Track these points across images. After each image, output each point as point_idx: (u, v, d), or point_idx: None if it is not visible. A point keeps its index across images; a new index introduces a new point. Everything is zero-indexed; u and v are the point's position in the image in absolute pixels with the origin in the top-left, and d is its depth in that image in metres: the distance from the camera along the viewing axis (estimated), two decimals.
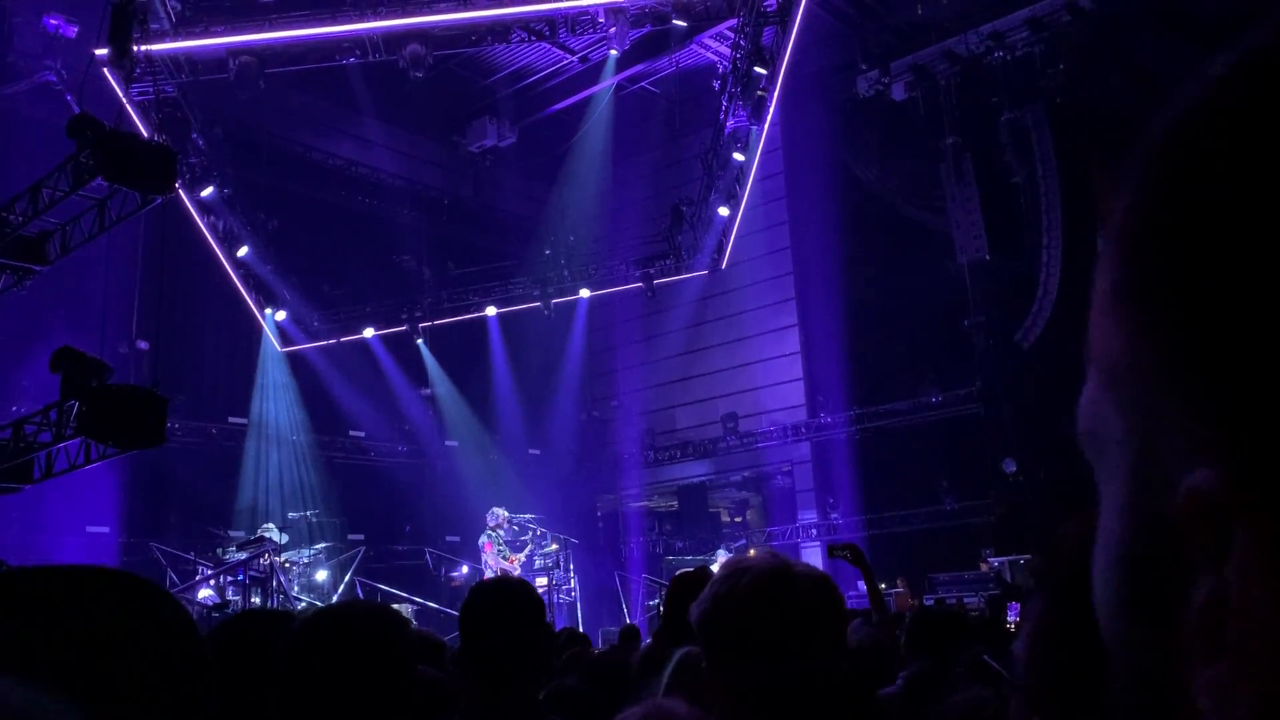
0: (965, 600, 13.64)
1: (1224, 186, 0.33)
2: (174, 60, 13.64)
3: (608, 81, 19.51)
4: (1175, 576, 0.35)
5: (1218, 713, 0.34)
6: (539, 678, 2.52)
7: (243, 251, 16.30)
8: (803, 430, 19.70)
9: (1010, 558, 14.79)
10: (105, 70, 11.92)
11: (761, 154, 17.26)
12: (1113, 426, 0.39)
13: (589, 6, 14.76)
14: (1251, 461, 0.33)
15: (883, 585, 16.27)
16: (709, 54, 19.18)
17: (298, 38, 14.16)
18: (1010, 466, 16.21)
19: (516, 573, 14.51)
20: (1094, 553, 0.40)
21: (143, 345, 15.48)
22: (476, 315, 19.25)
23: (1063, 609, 0.97)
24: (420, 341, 19.04)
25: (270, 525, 14.38)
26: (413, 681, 1.67)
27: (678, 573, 3.56)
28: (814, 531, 19.21)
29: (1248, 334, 0.32)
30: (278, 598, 12.71)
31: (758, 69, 15.32)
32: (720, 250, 18.17)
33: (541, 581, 14.98)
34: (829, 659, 1.51)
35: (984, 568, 15.40)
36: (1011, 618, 13.37)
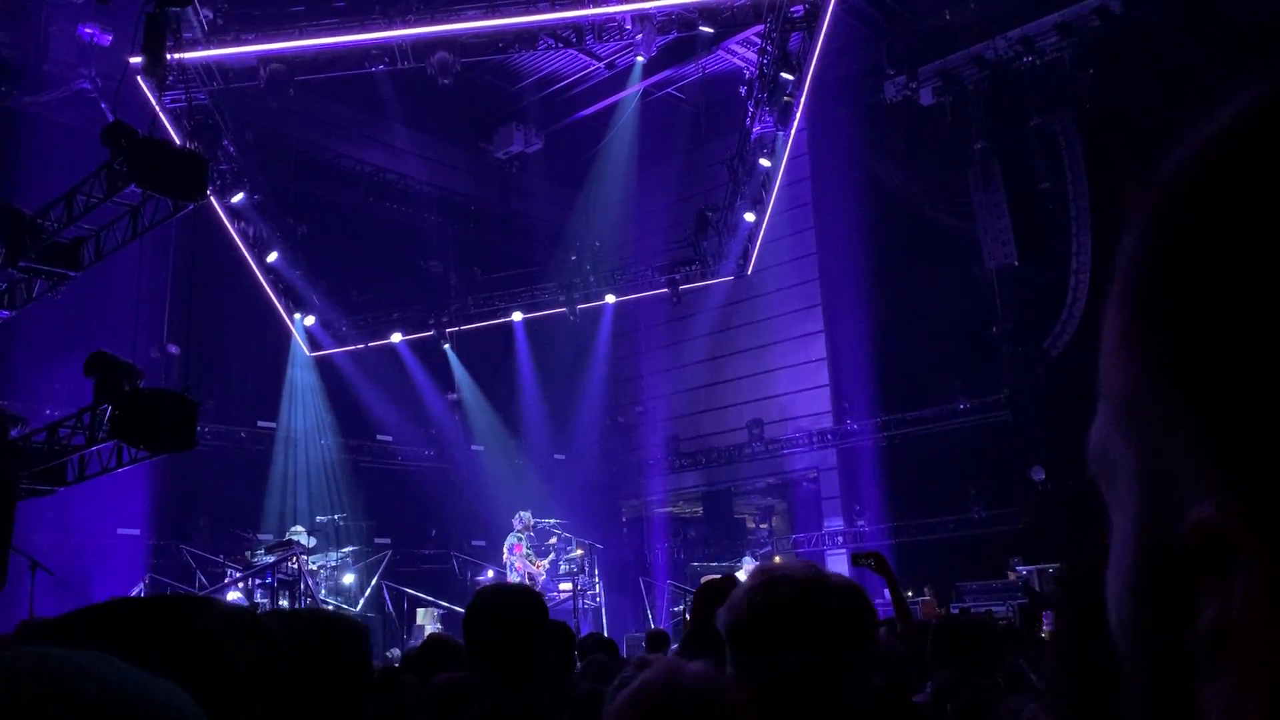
0: (993, 610, 13.53)
1: (1227, 237, 0.35)
2: (206, 68, 13.80)
3: (634, 88, 19.54)
4: (1183, 600, 0.38)
5: None
6: (543, 679, 2.56)
7: (272, 257, 16.45)
8: (828, 437, 19.62)
9: (1038, 566, 14.66)
10: (139, 78, 12.08)
11: (788, 159, 17.22)
12: (1122, 458, 0.41)
13: (616, 13, 14.79)
14: (1253, 497, 0.35)
15: (909, 594, 16.20)
16: (735, 60, 19.17)
17: (327, 46, 14.28)
18: (1039, 474, 16.07)
19: (542, 578, 14.55)
20: (1106, 577, 0.43)
21: (173, 350, 15.65)
22: (503, 320, 19.33)
23: (1080, 631, 0.98)
24: (447, 346, 19.14)
25: (299, 528, 14.49)
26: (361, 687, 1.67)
27: (704, 580, 3.57)
28: (840, 539, 19.12)
29: (1248, 380, 0.35)
30: (305, 600, 12.80)
31: (784, 75, 15.29)
32: (746, 256, 18.14)
33: (566, 587, 15.00)
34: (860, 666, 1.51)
35: (1012, 576, 15.27)
36: (1047, 626, 13.25)
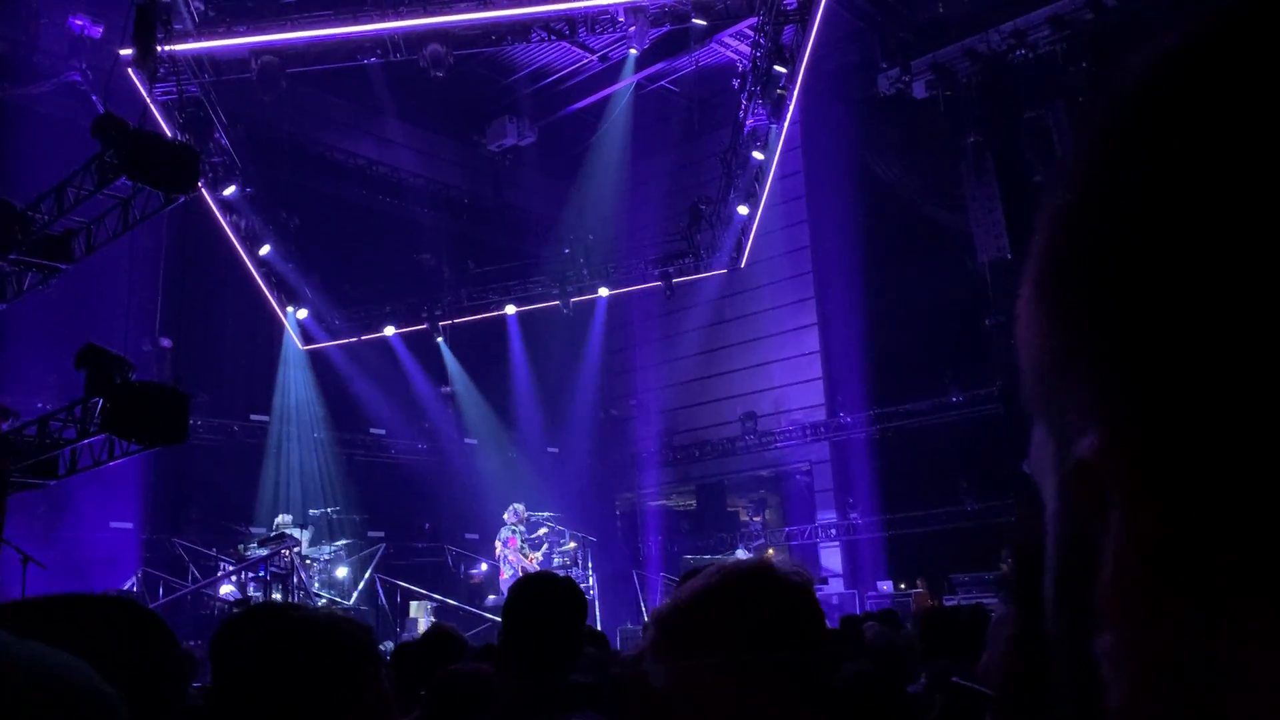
0: (985, 601, 13.57)
1: (1113, 202, 0.35)
2: (197, 60, 13.74)
3: (627, 80, 19.51)
4: (1090, 565, 0.35)
5: (1113, 680, 0.34)
6: (571, 672, 2.56)
7: (264, 250, 16.41)
8: (822, 430, 19.64)
9: None
10: (129, 70, 12.03)
11: (781, 152, 17.21)
12: (1045, 447, 0.40)
13: (609, 5, 14.76)
14: (1123, 423, 0.33)
15: (902, 586, 16.24)
16: (729, 53, 19.15)
17: (319, 38, 14.23)
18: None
19: (536, 571, 14.54)
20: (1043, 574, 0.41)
21: (166, 343, 15.60)
22: (496, 314, 19.31)
23: (1025, 619, 0.98)
24: (440, 340, 19.11)
25: (285, 517, 14.48)
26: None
27: (686, 571, 3.58)
28: (833, 531, 19.16)
29: (1124, 312, 0.34)
30: (298, 594, 12.80)
31: (777, 67, 15.28)
32: (739, 249, 18.14)
33: None
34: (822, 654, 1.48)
35: (1005, 568, 15.31)
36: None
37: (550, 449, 20.76)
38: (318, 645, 1.51)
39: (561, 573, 12.73)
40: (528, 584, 2.56)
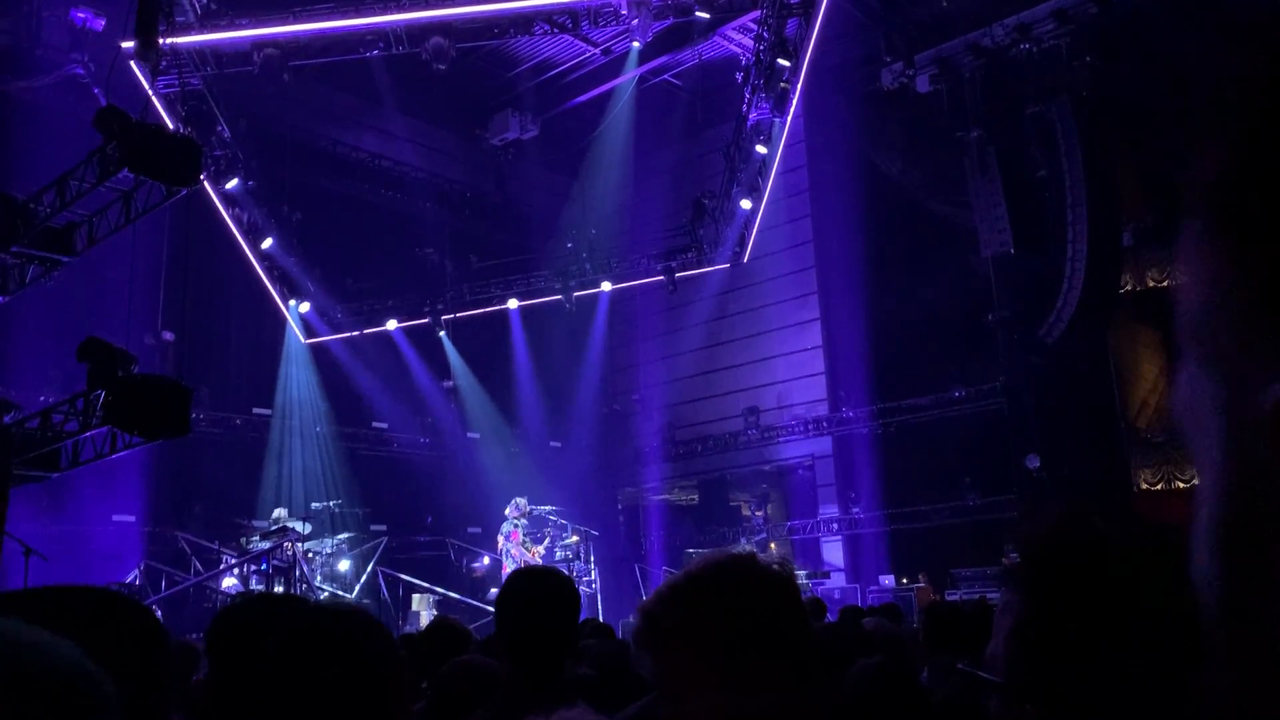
0: (988, 596, 13.56)
1: None
2: (199, 53, 13.73)
3: (630, 74, 19.48)
4: (1272, 515, 0.33)
5: None
6: (567, 663, 2.55)
7: (267, 244, 16.41)
8: (824, 424, 19.63)
9: None
10: (131, 63, 12.02)
11: (784, 147, 17.19)
12: (1205, 393, 0.37)
13: None
14: None
15: (904, 580, 16.24)
16: (732, 46, 19.11)
17: (322, 30, 14.22)
18: (1033, 462, 16.09)
19: (538, 564, 14.55)
20: (1193, 524, 0.39)
21: (168, 336, 15.61)
22: (498, 308, 19.30)
23: (1039, 606, 0.97)
24: (443, 334, 19.11)
25: (281, 511, 14.48)
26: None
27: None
28: (835, 526, 19.16)
29: None
30: (300, 587, 12.82)
31: (781, 61, 15.24)
32: (742, 244, 18.12)
33: None
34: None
35: (1007, 563, 15.31)
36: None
37: (553, 443, 20.77)
38: (348, 659, 1.41)
39: (564, 566, 12.71)
40: (517, 578, 2.57)
